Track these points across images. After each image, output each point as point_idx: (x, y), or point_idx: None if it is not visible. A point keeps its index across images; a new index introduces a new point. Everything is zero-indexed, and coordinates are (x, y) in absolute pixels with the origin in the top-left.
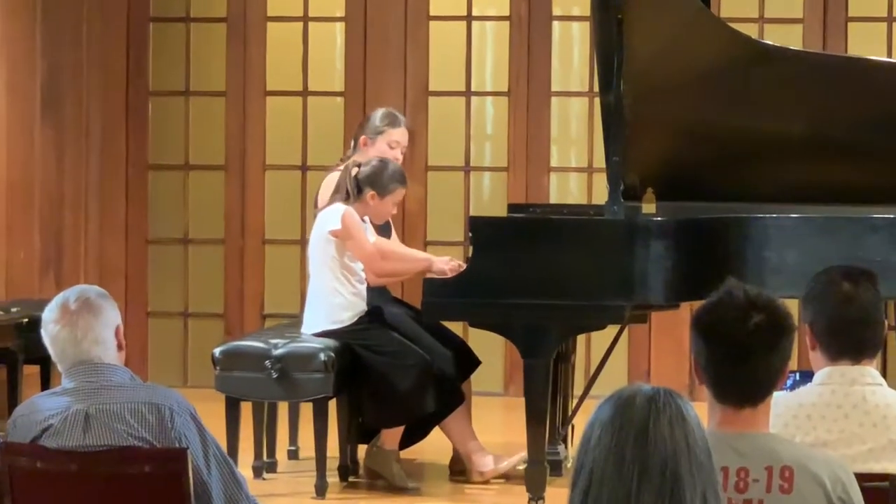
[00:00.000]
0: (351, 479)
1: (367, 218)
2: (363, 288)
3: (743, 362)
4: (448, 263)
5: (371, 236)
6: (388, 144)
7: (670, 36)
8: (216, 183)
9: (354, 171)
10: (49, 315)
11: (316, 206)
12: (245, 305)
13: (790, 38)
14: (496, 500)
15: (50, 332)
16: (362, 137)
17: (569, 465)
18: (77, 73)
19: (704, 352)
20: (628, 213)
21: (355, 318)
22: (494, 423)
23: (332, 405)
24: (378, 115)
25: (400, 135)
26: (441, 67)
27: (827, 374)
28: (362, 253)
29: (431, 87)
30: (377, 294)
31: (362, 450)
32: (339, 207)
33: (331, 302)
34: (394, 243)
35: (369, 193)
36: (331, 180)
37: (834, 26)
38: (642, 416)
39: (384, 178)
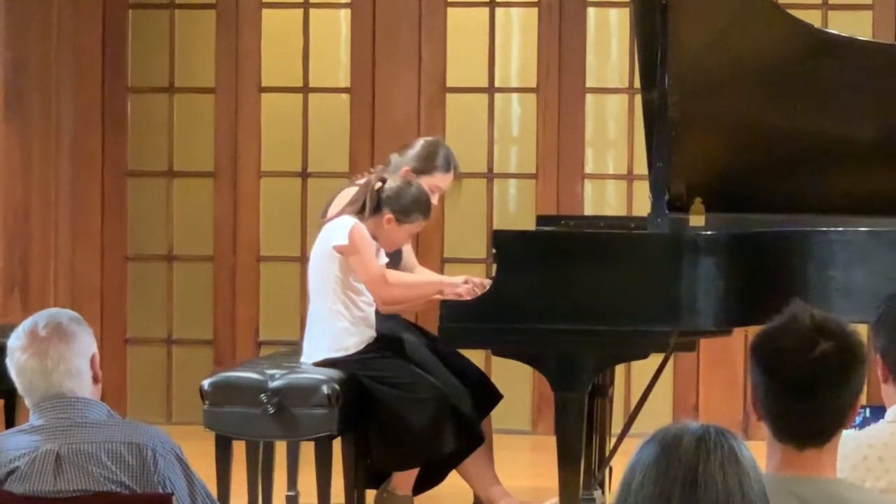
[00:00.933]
0: None
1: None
2: (371, 311)
3: (807, 396)
4: (462, 285)
5: (381, 258)
6: (430, 188)
7: (722, 25)
8: (204, 191)
9: (378, 185)
10: (15, 342)
11: (324, 216)
12: (237, 331)
13: (858, 27)
14: None
15: (16, 361)
16: (405, 168)
17: None
18: (45, 66)
19: (763, 384)
20: (674, 226)
21: (362, 346)
22: (521, 466)
23: (337, 444)
24: (431, 149)
25: (447, 182)
26: (460, 60)
27: None
28: (367, 274)
29: (449, 83)
30: (387, 318)
31: (371, 495)
32: (348, 220)
33: (334, 327)
34: (402, 273)
35: (387, 215)
36: (346, 195)
37: None
38: (690, 458)
39: (408, 203)
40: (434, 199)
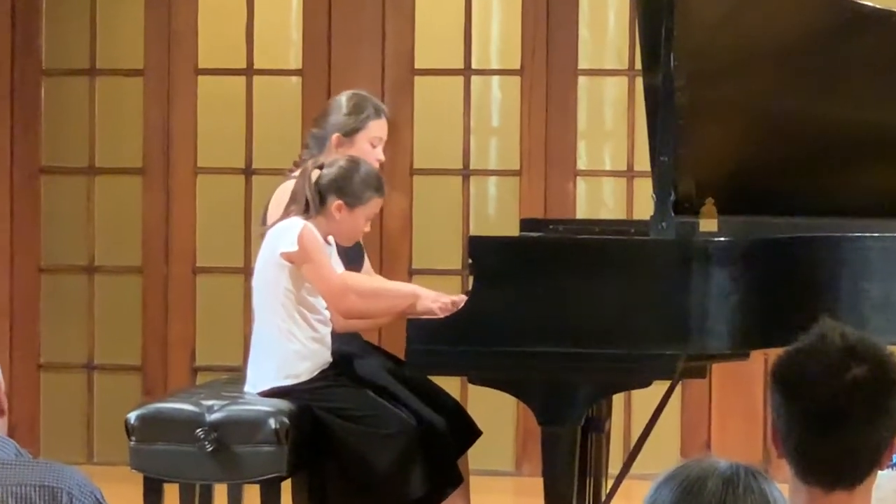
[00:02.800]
0: None
1: (331, 239)
2: (327, 332)
3: (837, 429)
4: (437, 300)
5: (338, 265)
6: (370, 142)
7: None
8: (131, 191)
9: (315, 174)
10: None
11: (264, 223)
12: (170, 355)
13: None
14: None
15: None
16: (335, 136)
17: None
18: None
19: (786, 415)
20: (681, 231)
21: (316, 372)
22: None
23: (286, 487)
24: (350, 103)
25: (383, 128)
26: (431, 37)
27: None
28: (324, 284)
29: (418, 64)
30: (346, 339)
31: None
32: (296, 223)
33: (284, 350)
34: (367, 276)
35: (335, 203)
36: (284, 192)
37: None
38: None
39: (355, 184)
40: (379, 153)
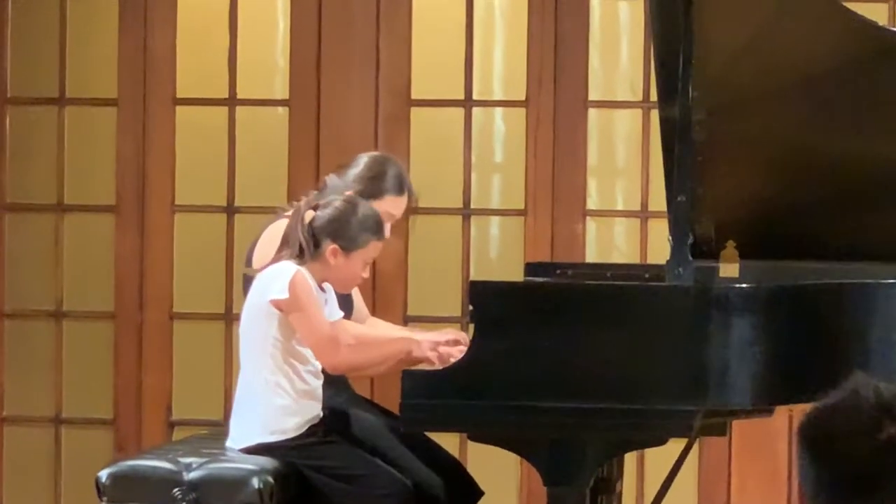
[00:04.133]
0: None
1: (326, 286)
2: (318, 384)
3: (869, 493)
4: (435, 346)
5: (333, 313)
6: (382, 214)
7: (761, 23)
8: (103, 231)
9: (309, 215)
10: None
11: (248, 264)
12: (144, 408)
13: None
14: None
15: None
16: (348, 193)
17: None
18: None
19: (814, 477)
20: (700, 276)
21: (305, 428)
22: None
23: None
24: (384, 171)
25: (400, 207)
26: (429, 65)
27: None
28: (313, 336)
29: (414, 94)
30: (336, 391)
31: None
32: (288, 268)
33: (271, 404)
34: (361, 326)
35: (330, 248)
36: (275, 231)
37: None
38: None
39: (351, 227)
40: (386, 230)
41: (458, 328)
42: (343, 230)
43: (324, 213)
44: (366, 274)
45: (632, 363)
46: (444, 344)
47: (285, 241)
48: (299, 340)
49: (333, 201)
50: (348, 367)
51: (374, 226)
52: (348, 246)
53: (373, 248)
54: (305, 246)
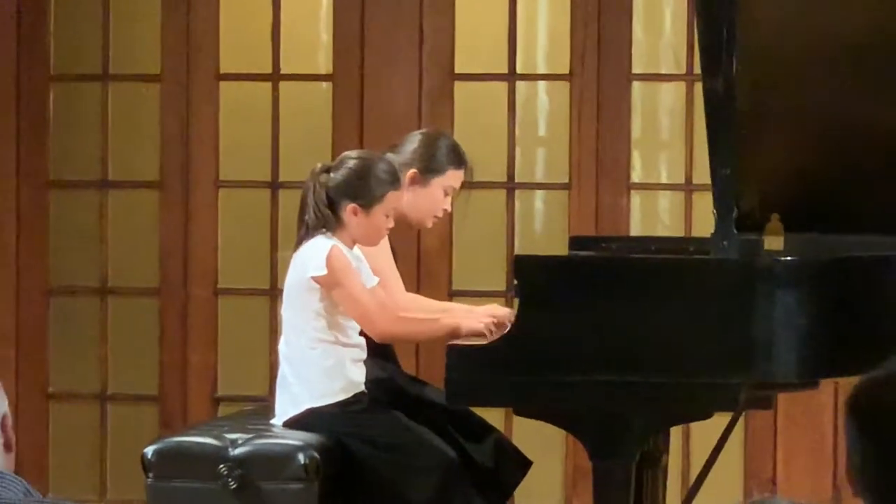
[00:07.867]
0: None
1: (358, 255)
2: (362, 356)
3: None
4: (484, 317)
5: (368, 280)
6: (445, 190)
7: None
8: (147, 207)
9: (323, 178)
10: None
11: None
12: (190, 384)
13: None
14: None
15: None
16: (411, 172)
17: None
18: None
19: (862, 450)
20: (745, 249)
21: (351, 393)
22: None
23: None
24: (441, 145)
25: (460, 179)
26: (473, 39)
27: None
28: (358, 308)
29: (458, 69)
30: (380, 364)
31: None
32: (323, 244)
33: (316, 366)
34: (407, 296)
35: (348, 207)
36: None
37: None
38: None
39: (368, 183)
40: (447, 204)
41: (502, 303)
42: (360, 188)
43: (337, 175)
44: (391, 224)
45: (677, 337)
46: (494, 322)
47: (302, 209)
48: (343, 313)
49: (346, 161)
50: (391, 338)
51: (390, 177)
52: (367, 203)
53: (392, 199)
54: (321, 212)
